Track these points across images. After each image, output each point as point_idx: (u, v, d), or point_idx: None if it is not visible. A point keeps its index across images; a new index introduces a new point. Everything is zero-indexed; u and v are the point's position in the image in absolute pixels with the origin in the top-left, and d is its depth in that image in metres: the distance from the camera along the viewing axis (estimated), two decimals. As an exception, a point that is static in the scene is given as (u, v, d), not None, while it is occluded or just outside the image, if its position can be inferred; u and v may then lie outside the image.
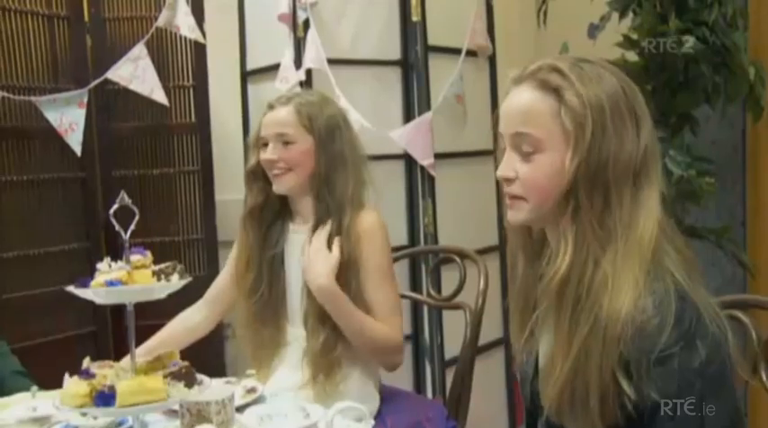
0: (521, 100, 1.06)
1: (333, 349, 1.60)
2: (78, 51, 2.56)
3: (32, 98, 2.39)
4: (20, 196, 2.45)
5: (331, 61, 2.38)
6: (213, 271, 2.66)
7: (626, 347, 0.97)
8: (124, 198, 1.21)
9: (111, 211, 1.20)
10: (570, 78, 1.02)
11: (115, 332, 2.63)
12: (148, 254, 1.22)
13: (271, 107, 1.70)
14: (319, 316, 1.62)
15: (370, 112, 2.43)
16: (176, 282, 1.21)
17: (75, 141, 2.43)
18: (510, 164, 1.07)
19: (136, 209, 1.21)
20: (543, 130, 1.03)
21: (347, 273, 1.61)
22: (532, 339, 1.17)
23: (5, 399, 1.56)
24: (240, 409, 1.38)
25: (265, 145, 1.69)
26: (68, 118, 2.42)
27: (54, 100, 2.41)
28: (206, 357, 1.78)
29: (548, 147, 1.04)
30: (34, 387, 1.54)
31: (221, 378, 1.56)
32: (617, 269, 0.99)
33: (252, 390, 1.54)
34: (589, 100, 1.01)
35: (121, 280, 1.17)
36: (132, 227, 1.22)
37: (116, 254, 1.25)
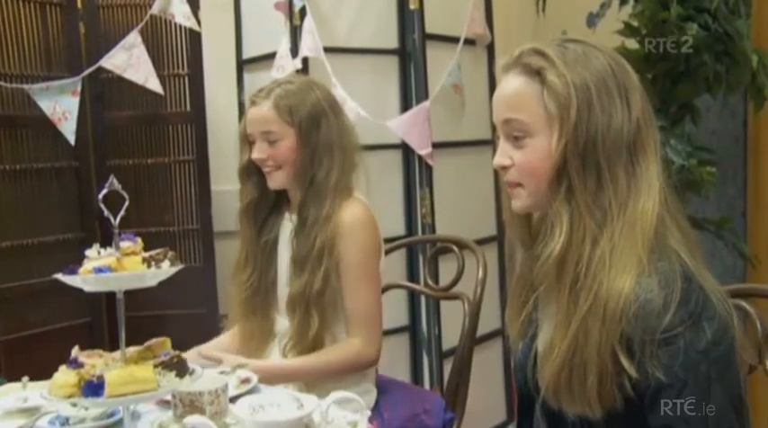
0: (508, 87, 1.07)
1: (321, 338, 1.58)
2: (72, 39, 2.52)
3: (25, 86, 2.37)
4: (13, 185, 2.42)
5: (327, 50, 2.35)
6: (209, 262, 2.65)
7: (629, 325, 0.96)
8: (114, 183, 1.17)
9: (101, 196, 1.17)
10: (552, 59, 1.02)
11: (110, 322, 2.61)
12: (138, 240, 1.19)
13: (253, 102, 1.66)
14: (306, 307, 1.59)
15: (367, 102, 2.41)
16: (167, 269, 1.17)
17: (69, 130, 2.41)
18: (504, 152, 1.08)
19: (125, 195, 1.18)
20: (529, 114, 1.04)
21: (327, 265, 1.58)
22: (530, 326, 1.16)
23: (-5, 390, 1.53)
24: (234, 400, 1.36)
25: (253, 142, 1.66)
26: (62, 106, 2.40)
27: (47, 88, 2.38)
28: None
29: (536, 130, 1.04)
30: (25, 378, 1.52)
31: (215, 369, 1.53)
32: (616, 247, 0.98)
33: (246, 381, 1.51)
34: (572, 79, 1.01)
35: (110, 266, 1.14)
36: (122, 212, 1.19)
37: (110, 243, 1.22)
